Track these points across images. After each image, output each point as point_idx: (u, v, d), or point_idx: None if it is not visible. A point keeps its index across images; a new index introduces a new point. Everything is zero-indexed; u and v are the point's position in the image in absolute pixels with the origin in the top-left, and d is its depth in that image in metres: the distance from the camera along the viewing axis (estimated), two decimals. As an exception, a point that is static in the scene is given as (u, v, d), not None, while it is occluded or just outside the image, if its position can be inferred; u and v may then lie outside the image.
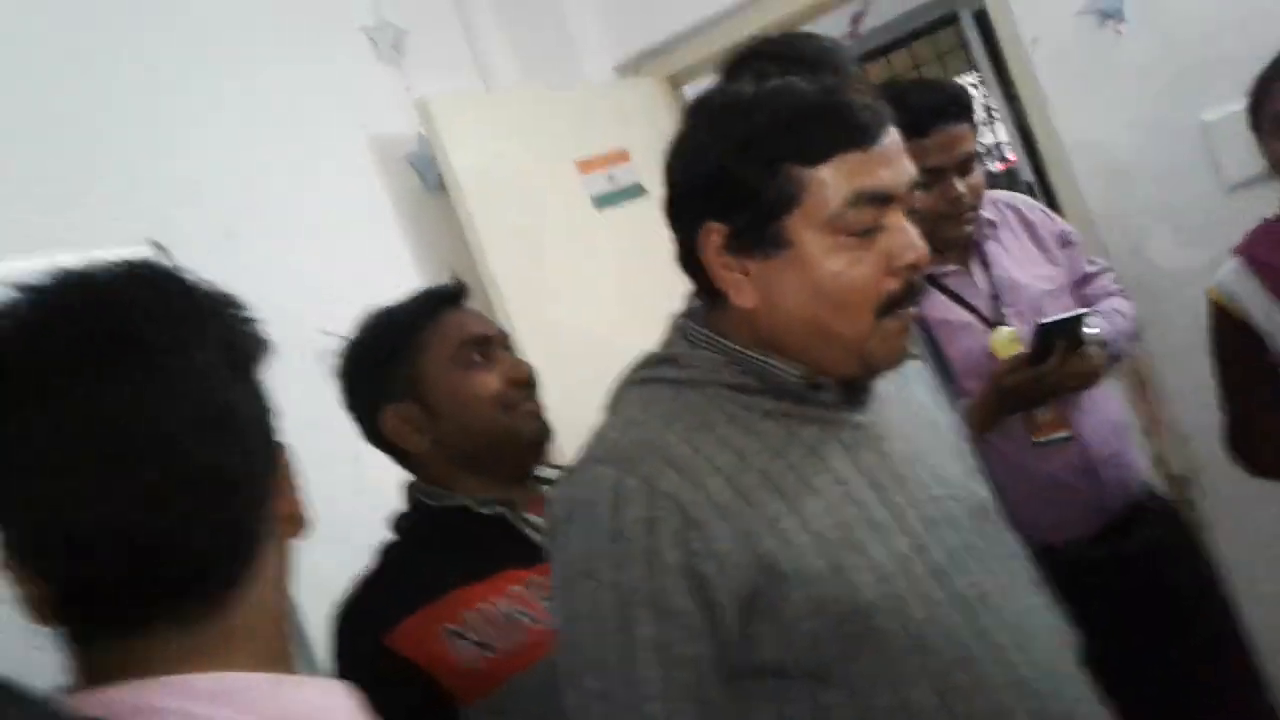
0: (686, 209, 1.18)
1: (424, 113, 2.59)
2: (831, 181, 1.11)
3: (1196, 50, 2.44)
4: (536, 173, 2.74)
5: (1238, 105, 2.06)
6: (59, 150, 1.99)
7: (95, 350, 0.74)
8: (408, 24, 2.83)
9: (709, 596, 1.06)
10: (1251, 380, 1.94)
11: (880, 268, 1.12)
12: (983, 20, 4.14)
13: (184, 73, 2.27)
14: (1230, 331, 1.96)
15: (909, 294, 1.15)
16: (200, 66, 2.30)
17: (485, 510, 1.55)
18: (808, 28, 2.79)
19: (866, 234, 1.12)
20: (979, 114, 4.35)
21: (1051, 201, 2.72)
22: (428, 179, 2.72)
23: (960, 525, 1.17)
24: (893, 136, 1.14)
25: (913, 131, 1.30)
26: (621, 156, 2.90)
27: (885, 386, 1.24)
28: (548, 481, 1.62)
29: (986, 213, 2.17)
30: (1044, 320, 1.94)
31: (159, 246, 1.86)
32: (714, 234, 1.14)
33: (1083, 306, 2.12)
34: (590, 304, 2.72)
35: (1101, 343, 2.02)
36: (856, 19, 4.27)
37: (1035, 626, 1.16)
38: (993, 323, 2.08)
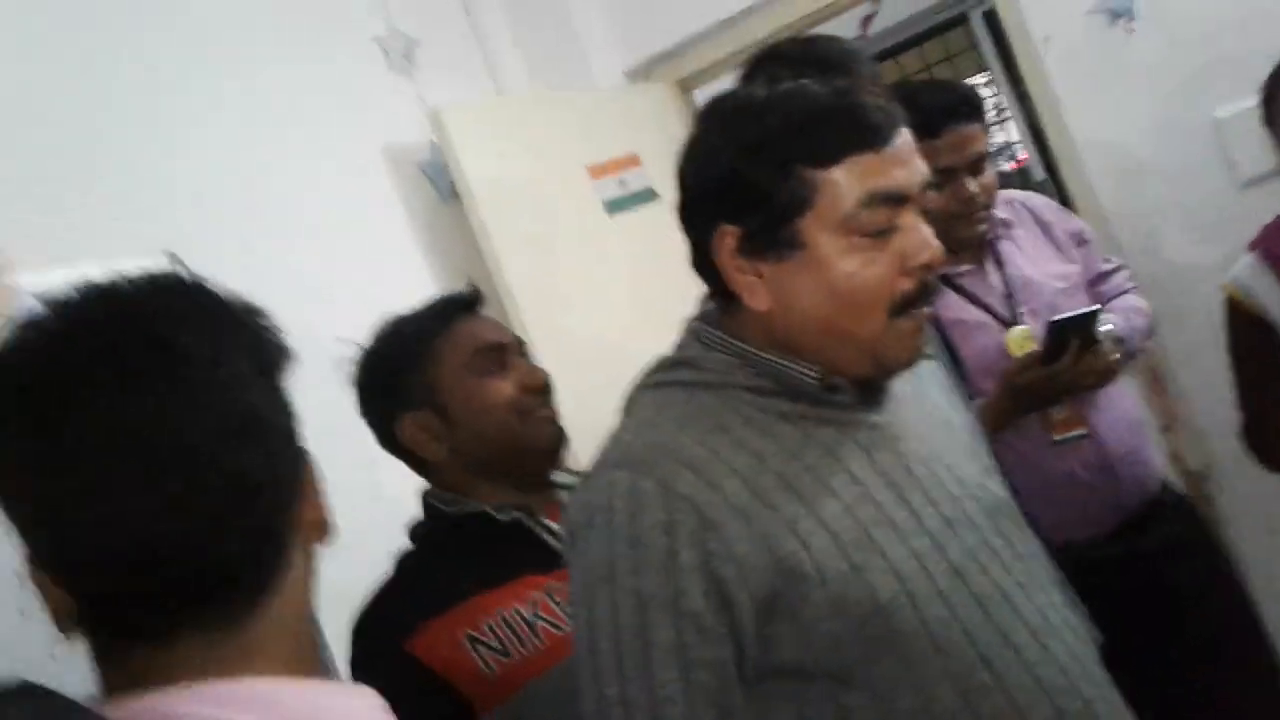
0: (700, 212, 1.18)
1: (436, 122, 2.60)
2: (844, 183, 1.11)
3: (1208, 47, 2.44)
4: (548, 179, 2.75)
5: (1249, 101, 2.06)
6: (75, 163, 2.00)
7: (121, 359, 0.74)
8: (419, 33, 2.84)
9: (727, 598, 1.06)
10: (1267, 375, 1.94)
11: (894, 268, 1.12)
12: (993, 20, 4.13)
13: (197, 84, 2.28)
14: (1245, 327, 1.96)
15: (923, 294, 1.15)
16: (213, 78, 2.32)
17: (502, 516, 1.55)
18: (817, 30, 2.79)
19: (880, 234, 1.12)
20: (990, 114, 4.34)
21: (1064, 200, 2.72)
22: (441, 187, 2.72)
23: (978, 524, 1.17)
24: (905, 137, 1.15)
25: (924, 132, 1.30)
26: (632, 161, 2.90)
27: (900, 387, 1.24)
28: (564, 487, 1.62)
29: (1001, 212, 2.17)
30: (1056, 317, 1.93)
31: (175, 257, 1.88)
32: (728, 237, 1.15)
33: (1097, 304, 2.11)
34: (604, 309, 2.73)
35: (1118, 339, 2.02)
36: (866, 21, 4.26)
37: (1054, 625, 1.16)
38: (1007, 322, 2.07)
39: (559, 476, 1.64)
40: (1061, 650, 1.14)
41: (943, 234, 1.19)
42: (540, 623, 1.48)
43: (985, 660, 1.09)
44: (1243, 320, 1.96)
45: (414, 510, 1.63)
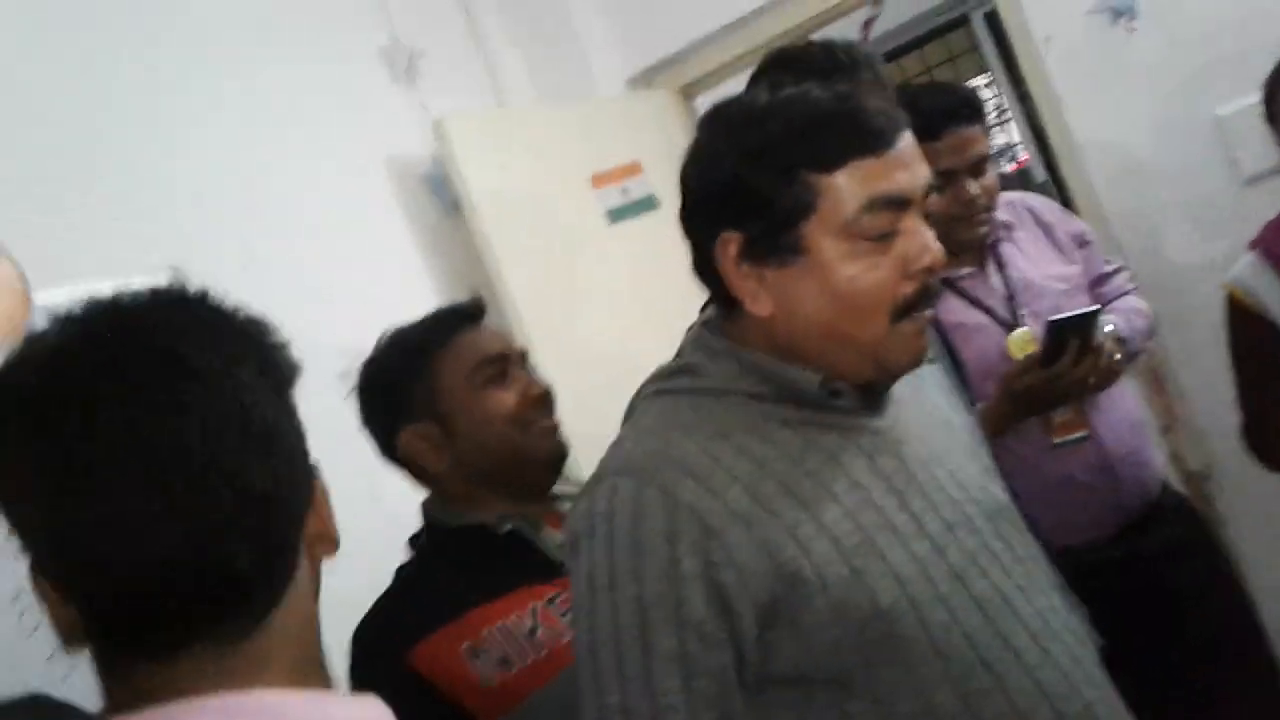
0: (702, 219, 1.19)
1: (440, 133, 2.60)
2: (847, 187, 1.11)
3: (1208, 45, 2.44)
4: (550, 189, 2.75)
5: (1250, 99, 2.06)
6: (78, 179, 2.01)
7: (129, 371, 0.75)
8: (422, 45, 2.84)
9: (728, 606, 1.06)
10: (1268, 375, 1.93)
11: (896, 272, 1.13)
12: (994, 21, 4.14)
13: (199, 92, 2.29)
14: (1247, 326, 1.95)
15: (925, 297, 1.15)
16: (215, 87, 2.33)
17: (502, 527, 1.55)
18: (819, 34, 2.80)
19: (883, 238, 1.12)
20: (991, 115, 4.34)
21: (1065, 200, 2.72)
22: (443, 199, 2.73)
23: (978, 528, 1.18)
24: (907, 141, 1.15)
25: (924, 134, 1.30)
26: (634, 169, 2.91)
27: (901, 390, 1.25)
28: (566, 498, 1.62)
29: (1002, 214, 2.17)
30: (1055, 317, 1.92)
31: (179, 271, 1.88)
32: (730, 243, 1.15)
33: (1097, 305, 2.11)
34: (605, 317, 2.73)
35: (1120, 339, 2.01)
36: (867, 24, 4.26)
37: (1055, 628, 1.16)
38: (1008, 325, 2.07)
39: (560, 487, 1.64)
40: (1062, 653, 1.14)
41: (943, 236, 1.19)
42: (541, 632, 1.48)
43: (986, 664, 1.09)
44: (1243, 319, 1.96)
45: (414, 521, 1.63)
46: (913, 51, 5.12)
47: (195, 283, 0.84)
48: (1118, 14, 2.52)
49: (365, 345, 1.66)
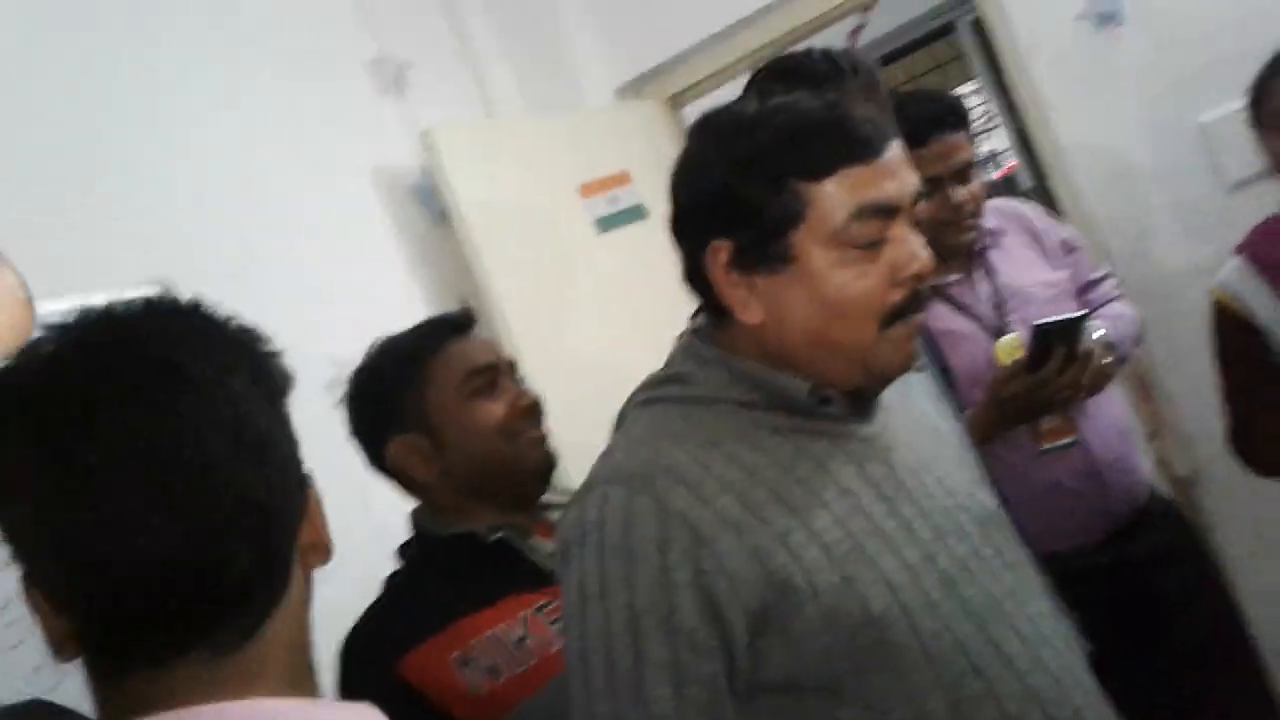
0: (692, 227, 1.19)
1: (428, 144, 2.60)
2: (836, 196, 1.12)
3: (1193, 52, 2.45)
4: (539, 199, 2.76)
5: (1235, 105, 2.07)
6: (67, 192, 2.00)
7: (125, 378, 0.75)
8: (409, 56, 2.84)
9: (719, 613, 1.06)
10: (1254, 380, 1.94)
11: (885, 279, 1.13)
12: (980, 29, 4.15)
13: (188, 111, 2.29)
14: (1233, 331, 1.96)
15: (913, 302, 1.15)
16: (204, 104, 2.32)
17: (491, 536, 1.55)
18: (806, 43, 2.81)
19: (871, 246, 1.13)
20: (978, 122, 4.36)
21: (1052, 206, 2.73)
22: (432, 210, 2.73)
23: (968, 534, 1.18)
24: (895, 149, 1.15)
25: (910, 141, 1.31)
26: (623, 178, 2.91)
27: (889, 398, 1.25)
28: (555, 507, 1.62)
29: (990, 221, 2.18)
30: (1040, 321, 1.92)
31: (167, 283, 1.87)
32: (720, 251, 1.15)
33: (1084, 310, 2.12)
34: (595, 327, 2.73)
35: (1109, 344, 2.02)
36: (855, 33, 4.28)
37: (1044, 634, 1.17)
38: (996, 331, 2.07)
39: (549, 497, 1.64)
40: (1052, 659, 1.15)
41: (930, 243, 1.19)
42: (530, 641, 1.48)
43: (977, 670, 1.09)
44: (1230, 324, 1.97)
45: (402, 530, 1.63)
46: (900, 60, 5.13)
47: (184, 292, 0.85)
48: (1103, 21, 2.54)
49: (353, 354, 1.66)
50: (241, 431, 0.77)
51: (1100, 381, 1.98)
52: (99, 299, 0.81)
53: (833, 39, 3.75)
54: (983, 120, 5.27)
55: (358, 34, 2.78)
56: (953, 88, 5.09)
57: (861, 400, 1.20)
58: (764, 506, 1.09)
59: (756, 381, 1.17)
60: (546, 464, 1.62)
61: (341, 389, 1.64)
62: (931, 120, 2.05)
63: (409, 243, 2.70)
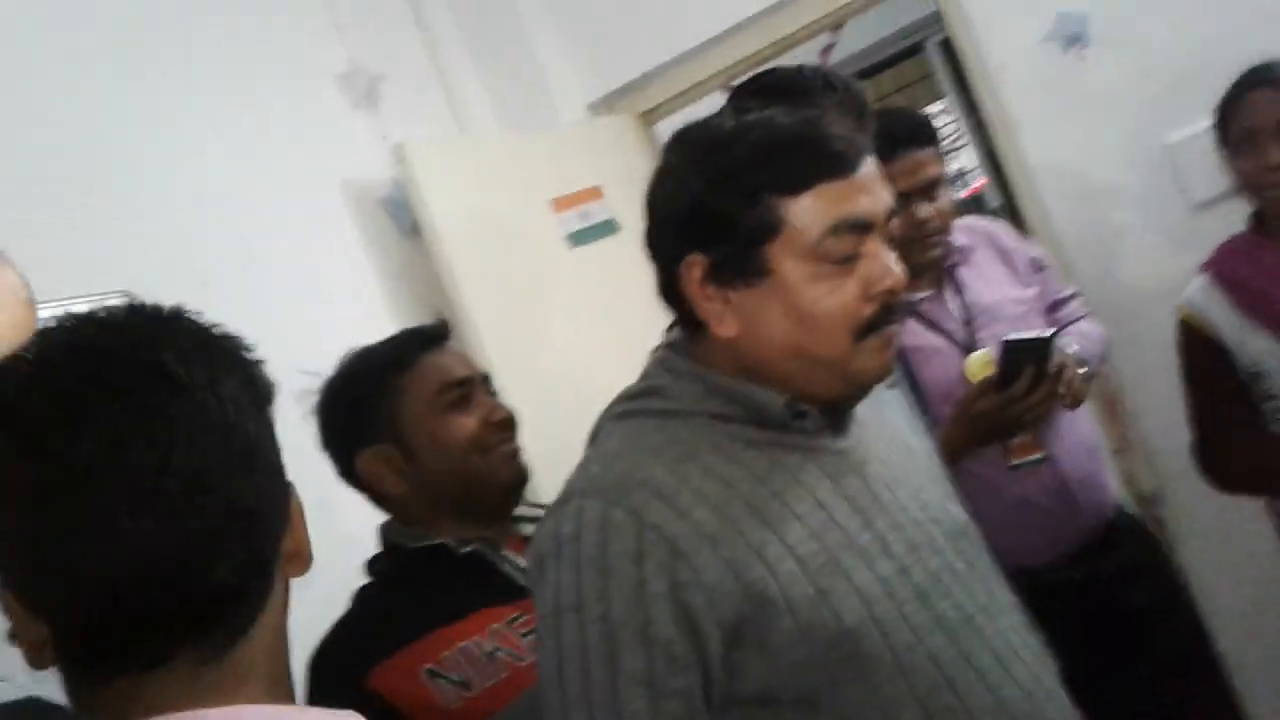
0: (667, 241, 1.19)
1: (400, 157, 2.60)
2: (811, 211, 1.12)
3: (1159, 74, 2.49)
4: (511, 214, 2.75)
5: (1200, 126, 2.10)
6: (32, 202, 1.98)
7: (122, 383, 0.74)
8: (381, 70, 2.84)
9: (696, 626, 1.06)
10: (1220, 396, 1.97)
11: (859, 294, 1.14)
12: (949, 49, 4.20)
13: (157, 121, 2.27)
14: (1199, 348, 1.99)
15: (887, 315, 1.16)
16: (174, 114, 2.31)
17: (462, 549, 1.54)
18: (776, 62, 2.82)
19: (846, 261, 1.13)
20: (946, 141, 4.39)
21: (1020, 225, 2.76)
22: (402, 223, 2.72)
23: (941, 548, 1.19)
24: (870, 165, 1.16)
25: (877, 157, 1.32)
26: (595, 193, 2.91)
27: (863, 413, 1.25)
28: (527, 520, 1.62)
29: (960, 238, 2.19)
30: (1010, 337, 1.93)
31: (131, 294, 1.86)
32: (695, 265, 1.15)
33: (1053, 329, 2.13)
34: (568, 340, 2.73)
35: (1081, 361, 2.04)
36: (825, 51, 4.31)
37: (1016, 647, 1.18)
38: (966, 347, 2.09)
39: (521, 510, 1.64)
40: (1023, 672, 1.15)
41: (899, 259, 1.20)
42: (501, 654, 1.47)
43: (950, 682, 1.10)
44: (1196, 341, 2.00)
45: (369, 543, 1.62)
46: (869, 79, 5.18)
47: (150, 301, 0.84)
48: (1070, 43, 2.57)
49: (322, 364, 1.64)
50: (232, 438, 0.76)
51: (1080, 395, 1.99)
52: (58, 309, 0.80)
53: (803, 57, 3.78)
54: (951, 139, 5.32)
55: (330, 46, 2.77)
56: (922, 107, 5.14)
57: (836, 414, 1.21)
58: (740, 519, 1.10)
59: (732, 395, 1.17)
60: (519, 478, 1.61)
61: (311, 399, 1.62)
62: (898, 136, 2.06)
63: (379, 254, 2.70)
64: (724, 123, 1.20)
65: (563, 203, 2.85)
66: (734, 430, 1.16)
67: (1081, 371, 1.99)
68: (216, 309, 0.91)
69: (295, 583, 0.87)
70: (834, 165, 1.13)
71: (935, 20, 3.89)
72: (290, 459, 0.85)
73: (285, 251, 2.42)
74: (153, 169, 2.22)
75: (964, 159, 5.54)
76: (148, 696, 0.74)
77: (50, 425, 0.72)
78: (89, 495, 0.72)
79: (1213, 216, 2.35)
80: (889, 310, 1.16)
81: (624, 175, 2.84)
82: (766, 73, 1.79)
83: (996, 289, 2.17)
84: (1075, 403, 1.99)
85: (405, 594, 1.54)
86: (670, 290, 1.20)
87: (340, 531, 1.65)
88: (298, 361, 1.74)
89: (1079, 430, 2.11)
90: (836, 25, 3.26)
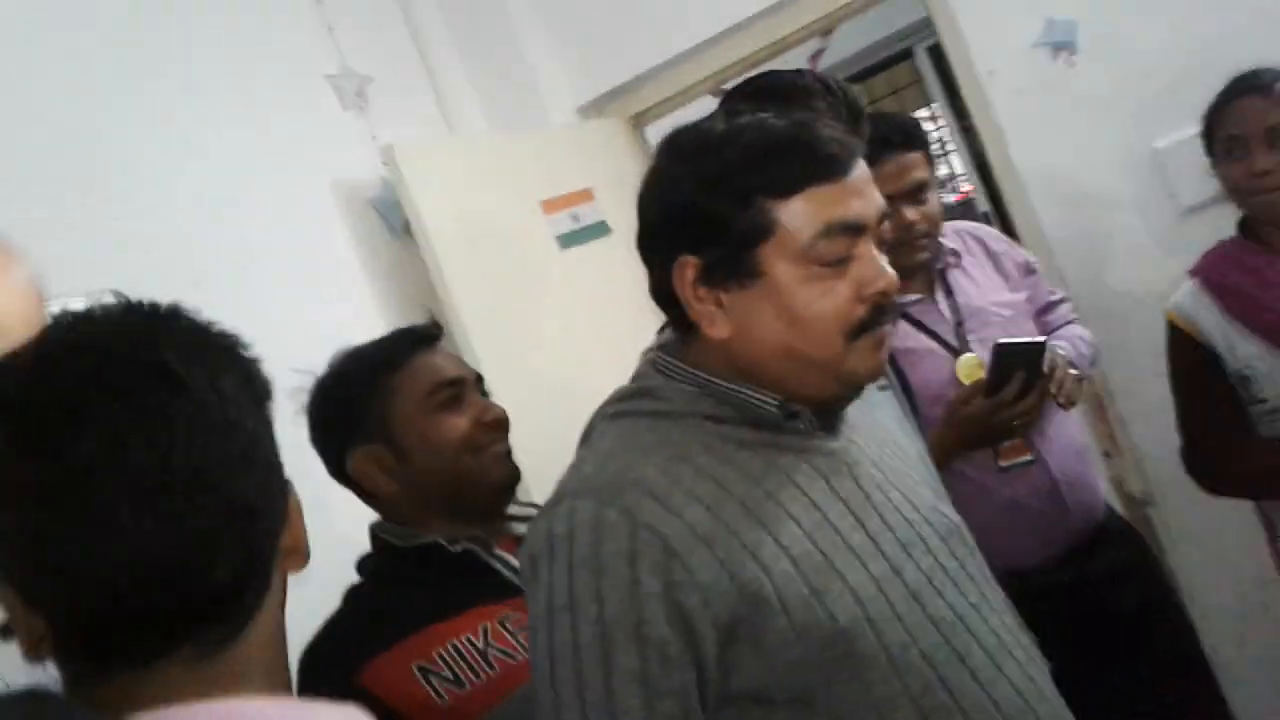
0: (660, 243, 1.20)
1: (389, 158, 2.60)
2: (803, 213, 1.13)
3: (1147, 80, 2.50)
4: (501, 215, 2.75)
5: (1188, 132, 2.11)
6: (22, 199, 1.97)
7: (122, 381, 0.74)
8: (370, 69, 2.84)
9: (690, 625, 1.06)
10: (1208, 399, 1.98)
11: (851, 296, 1.14)
12: (938, 55, 4.22)
13: (147, 120, 2.27)
14: (1187, 351, 2.00)
15: (878, 316, 1.16)
16: (163, 114, 2.31)
17: (454, 547, 1.54)
18: (767, 66, 2.83)
19: (838, 263, 1.14)
20: (934, 146, 4.41)
21: (1009, 230, 2.77)
22: (392, 223, 2.72)
23: (933, 549, 1.19)
24: (862, 168, 1.17)
25: (865, 160, 1.32)
26: (586, 195, 2.91)
27: (854, 414, 1.26)
28: (519, 519, 1.62)
29: (950, 242, 2.20)
30: (1003, 339, 1.94)
31: (120, 294, 1.85)
32: (688, 267, 1.16)
33: (1044, 333, 2.15)
34: (558, 341, 2.73)
35: (1071, 364, 2.05)
36: (815, 57, 4.33)
37: (1008, 645, 1.18)
38: (956, 351, 2.09)
39: (513, 509, 1.63)
40: (1015, 670, 1.16)
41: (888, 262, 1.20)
42: (493, 651, 1.47)
43: (943, 681, 1.10)
44: (1184, 344, 2.01)
45: (360, 542, 1.61)
46: (860, 83, 5.20)
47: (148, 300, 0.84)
48: (1059, 49, 2.58)
49: (312, 362, 1.63)
50: (232, 436, 0.76)
51: (1073, 395, 2.00)
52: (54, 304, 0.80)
53: (793, 62, 3.79)
54: (939, 144, 5.34)
55: (320, 48, 2.77)
56: (910, 112, 5.16)
57: (828, 415, 1.21)
58: (734, 520, 1.10)
59: (724, 396, 1.18)
60: (510, 478, 1.61)
61: (302, 397, 1.62)
62: (885, 139, 2.06)
63: (367, 254, 2.69)
64: (716, 125, 1.20)
65: (553, 204, 2.85)
66: (727, 431, 1.17)
67: (1072, 373, 2.00)
68: (208, 307, 0.91)
69: (289, 581, 0.87)
70: (826, 168, 1.14)
71: (925, 25, 3.91)
72: (285, 457, 0.86)
73: (278, 251, 2.41)
74: (151, 169, 2.22)
75: (952, 164, 5.56)
76: (147, 691, 0.74)
77: (50, 424, 0.72)
78: (89, 494, 0.72)
79: (1201, 221, 2.37)
80: (881, 311, 1.17)
81: (614, 178, 2.85)
82: (760, 76, 1.79)
83: (986, 292, 2.18)
84: (1069, 403, 2.00)
85: (397, 592, 1.54)
86: (663, 291, 1.20)
87: (335, 531, 1.65)
88: (289, 360, 1.75)
89: (1068, 432, 2.12)
90: (826, 31, 3.27)
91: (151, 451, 0.73)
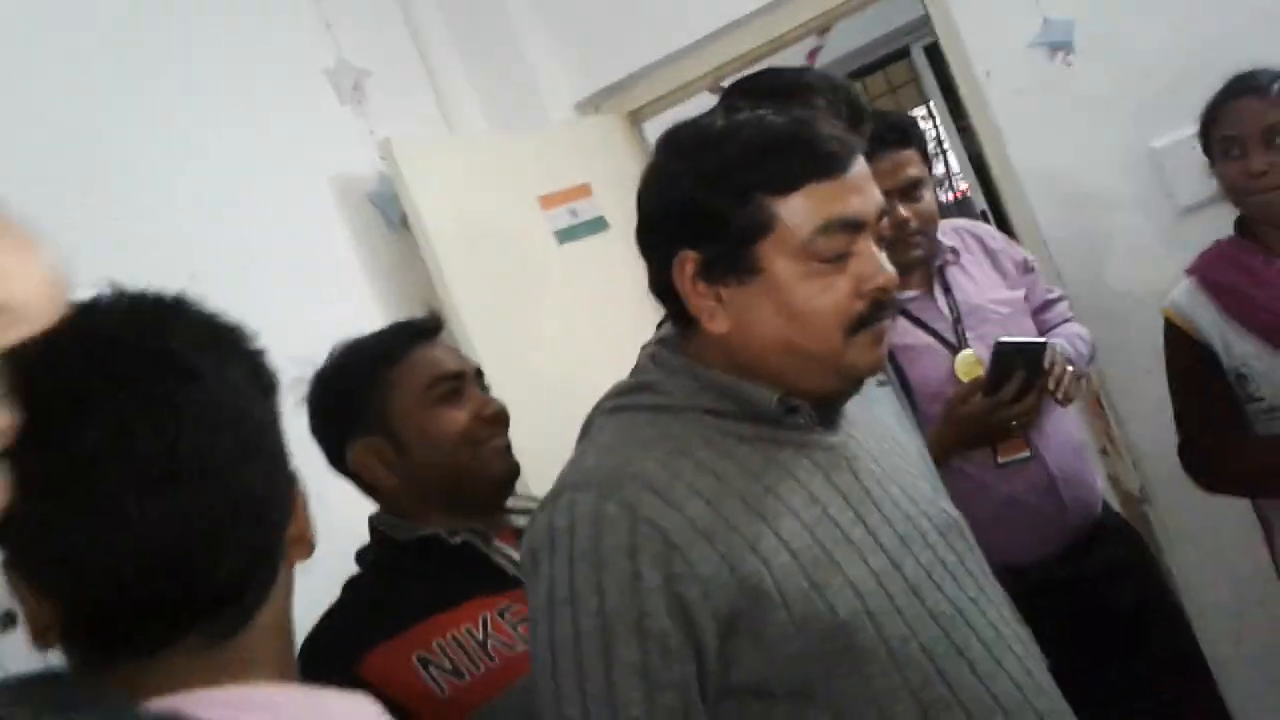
0: (660, 239, 1.20)
1: (386, 152, 2.59)
2: (802, 210, 1.13)
3: (1144, 80, 2.50)
4: (500, 211, 2.75)
5: (1185, 132, 2.12)
6: (22, 199, 1.97)
7: (130, 370, 0.74)
8: (369, 66, 2.84)
9: (691, 618, 1.06)
10: (1205, 397, 1.99)
11: (850, 292, 1.15)
12: (934, 54, 4.22)
13: (145, 115, 2.27)
14: (1185, 349, 2.01)
15: (878, 311, 1.17)
16: (161, 109, 2.30)
17: (454, 539, 1.54)
18: (764, 63, 2.83)
19: (837, 259, 1.14)
20: (929, 144, 4.41)
21: (1006, 229, 2.77)
22: (390, 217, 2.72)
23: (932, 543, 1.20)
24: (862, 165, 1.17)
25: (859, 156, 1.33)
26: (584, 191, 2.91)
27: (853, 409, 1.26)
28: (518, 512, 1.62)
29: (949, 239, 2.21)
30: (1004, 339, 1.95)
31: (116, 285, 1.85)
32: (687, 262, 1.16)
33: (1041, 331, 2.15)
34: (556, 336, 2.73)
35: (1069, 360, 2.06)
36: (812, 54, 4.33)
37: (1007, 639, 1.18)
38: (954, 347, 2.10)
39: (512, 502, 1.64)
40: (1014, 664, 1.16)
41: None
42: (492, 642, 1.47)
43: (942, 674, 1.11)
44: (1181, 342, 2.02)
45: (359, 533, 1.61)
46: (855, 81, 5.21)
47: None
48: (1056, 48, 2.58)
49: (312, 355, 1.63)
50: (239, 426, 0.76)
51: (1073, 392, 2.01)
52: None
53: (790, 60, 3.79)
54: (935, 143, 5.34)
55: (317, 42, 2.77)
56: (907, 110, 5.17)
57: (827, 410, 1.22)
58: (734, 514, 1.10)
59: (724, 390, 1.18)
60: (509, 473, 1.62)
61: (302, 389, 1.62)
62: (877, 137, 2.07)
63: (365, 249, 2.69)
64: (715, 121, 1.20)
65: (551, 200, 2.85)
66: (726, 426, 1.17)
67: (1069, 370, 2.01)
68: (208, 299, 0.91)
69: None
70: (825, 165, 1.14)
71: (922, 24, 3.92)
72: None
73: (278, 248, 2.41)
74: (151, 168, 2.22)
75: (948, 163, 5.57)
76: (154, 680, 0.74)
77: (56, 414, 0.72)
78: (95, 484, 0.72)
79: (1198, 221, 2.37)
80: (880, 306, 1.17)
81: (612, 175, 2.85)
82: (761, 73, 1.80)
83: (984, 290, 2.19)
84: (1067, 400, 2.01)
85: (396, 583, 1.54)
86: (662, 286, 1.20)
87: (334, 522, 1.65)
88: (288, 358, 1.75)
89: (1066, 429, 2.13)
90: (823, 29, 3.28)
91: (158, 441, 0.72)
